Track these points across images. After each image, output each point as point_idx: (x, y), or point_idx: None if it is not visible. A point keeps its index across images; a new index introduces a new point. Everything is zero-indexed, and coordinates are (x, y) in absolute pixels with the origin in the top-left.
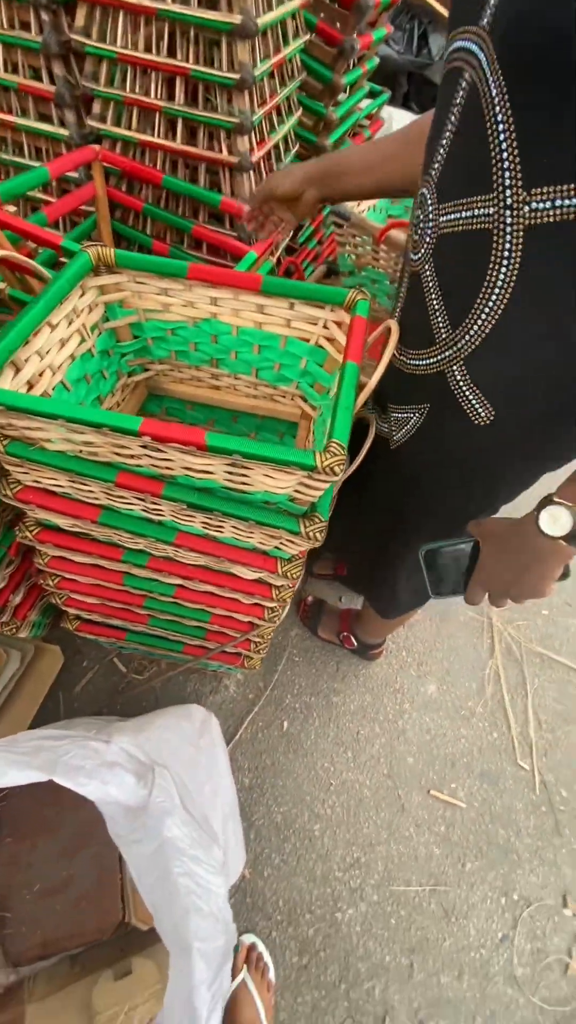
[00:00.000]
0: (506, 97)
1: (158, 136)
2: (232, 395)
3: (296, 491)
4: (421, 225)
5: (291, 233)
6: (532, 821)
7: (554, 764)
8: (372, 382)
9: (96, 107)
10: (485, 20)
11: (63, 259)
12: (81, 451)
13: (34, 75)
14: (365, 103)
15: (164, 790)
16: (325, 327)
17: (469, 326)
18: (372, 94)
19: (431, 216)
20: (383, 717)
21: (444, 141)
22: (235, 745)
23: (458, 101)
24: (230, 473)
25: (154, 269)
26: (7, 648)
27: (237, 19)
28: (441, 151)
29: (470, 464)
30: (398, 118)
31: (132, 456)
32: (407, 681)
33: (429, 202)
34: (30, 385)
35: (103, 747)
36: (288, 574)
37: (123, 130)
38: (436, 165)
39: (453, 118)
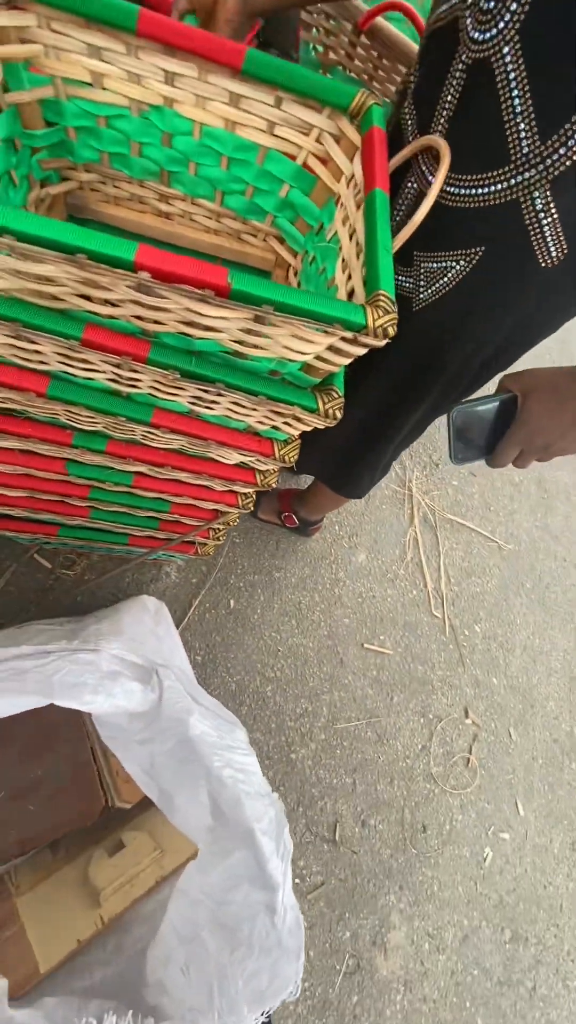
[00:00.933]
0: None
1: None
2: (185, 227)
3: (319, 358)
4: None
5: None
6: (442, 656)
7: (459, 611)
8: (420, 214)
9: None
10: None
11: None
12: (31, 293)
13: None
14: None
15: (175, 690)
16: (319, 141)
17: (569, 134)
18: None
19: None
20: (321, 587)
21: None
22: (184, 628)
23: None
24: (247, 332)
25: (86, 10)
26: None
27: None
28: None
29: (521, 312)
30: None
31: (110, 303)
32: (340, 552)
33: None
34: None
35: (95, 657)
36: (285, 457)
37: None
38: None
39: None
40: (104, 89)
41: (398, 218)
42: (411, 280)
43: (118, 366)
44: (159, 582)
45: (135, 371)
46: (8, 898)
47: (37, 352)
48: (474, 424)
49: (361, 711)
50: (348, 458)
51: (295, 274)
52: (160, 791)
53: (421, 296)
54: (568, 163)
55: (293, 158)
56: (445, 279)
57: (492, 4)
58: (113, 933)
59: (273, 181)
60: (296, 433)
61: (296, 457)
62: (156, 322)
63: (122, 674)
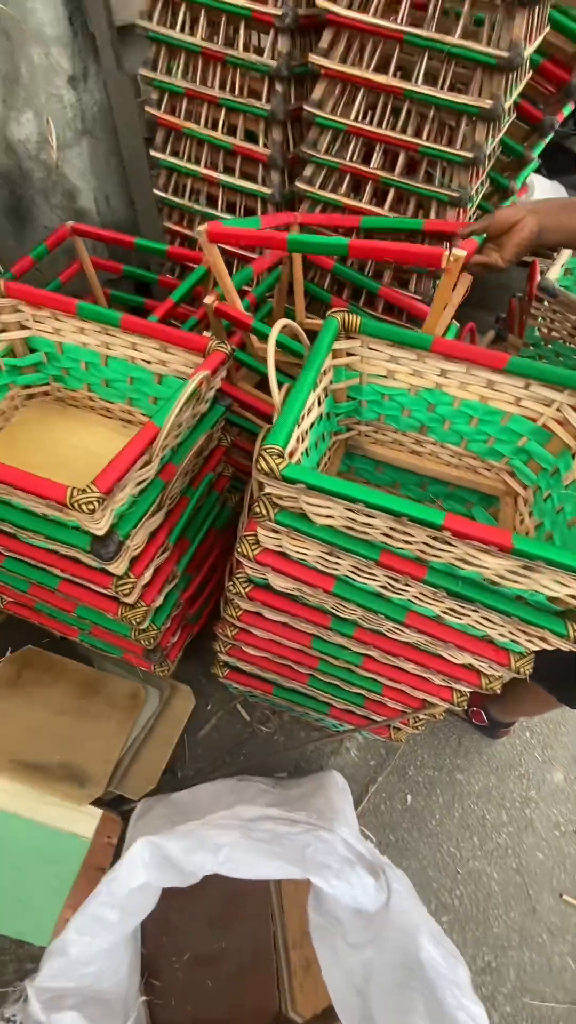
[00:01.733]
0: None
1: (363, 202)
2: (431, 462)
3: (571, 595)
4: None
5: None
6: None
7: None
8: None
9: (307, 171)
10: None
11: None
12: (352, 529)
13: (247, 137)
14: None
15: (404, 897)
16: (558, 410)
17: None
18: None
19: None
20: (509, 803)
21: None
22: (359, 814)
23: None
24: (514, 572)
25: (396, 339)
26: (145, 685)
27: (487, 103)
28: None
29: None
30: (538, 184)
31: (407, 542)
32: (532, 765)
33: None
34: (290, 455)
35: (331, 838)
36: (520, 669)
37: (329, 193)
38: None
39: None
40: (394, 379)
41: None
42: None
43: (395, 580)
44: (339, 756)
45: (408, 585)
46: None
47: (337, 563)
48: None
49: (559, 989)
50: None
51: (525, 503)
52: (363, 1014)
53: None
54: None
55: (534, 420)
56: None
57: None
58: None
59: (513, 435)
60: (534, 649)
61: (531, 670)
62: (436, 556)
63: (357, 864)
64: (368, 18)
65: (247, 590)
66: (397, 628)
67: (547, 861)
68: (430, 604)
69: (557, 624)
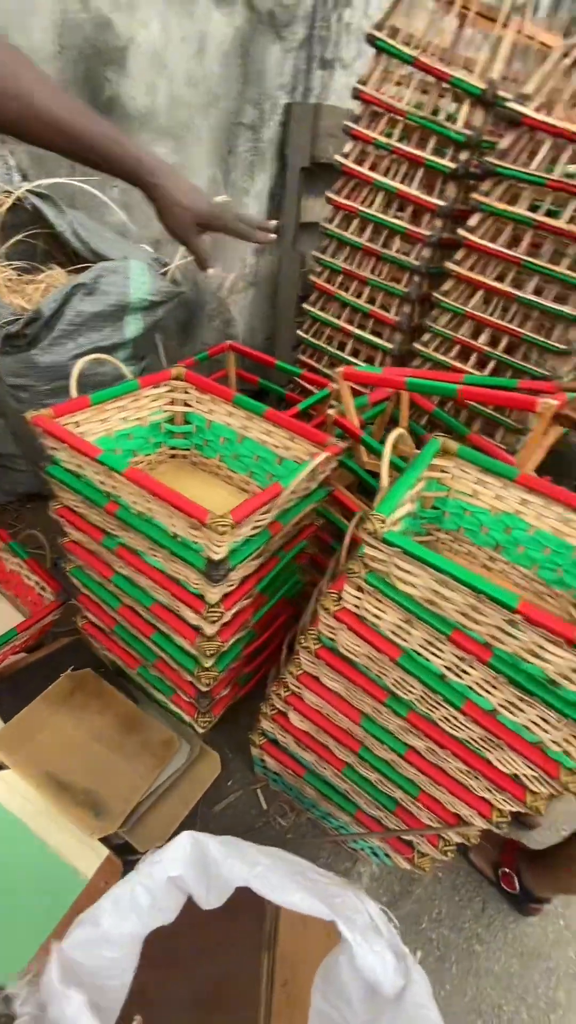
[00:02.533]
0: None
1: (466, 365)
2: (500, 579)
3: None
4: None
5: None
6: None
7: None
8: None
9: (425, 337)
10: None
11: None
12: (432, 601)
13: (381, 306)
14: None
15: (422, 989)
16: None
17: None
18: None
19: None
20: (532, 999)
21: None
22: None
23: None
24: (574, 671)
25: (487, 466)
26: (180, 738)
27: None
28: None
29: None
30: None
31: (478, 622)
32: (564, 961)
33: None
34: None
35: (359, 900)
36: (568, 786)
37: (440, 355)
38: None
39: None
40: (477, 499)
41: None
42: None
43: (460, 659)
44: (348, 878)
45: (472, 667)
46: None
47: (409, 633)
48: None
49: None
50: None
51: None
52: None
53: None
54: None
55: None
56: None
57: None
58: None
59: None
60: None
61: None
62: (502, 643)
63: (384, 936)
64: (495, 246)
65: (316, 648)
66: (451, 717)
67: None
68: (490, 694)
69: None
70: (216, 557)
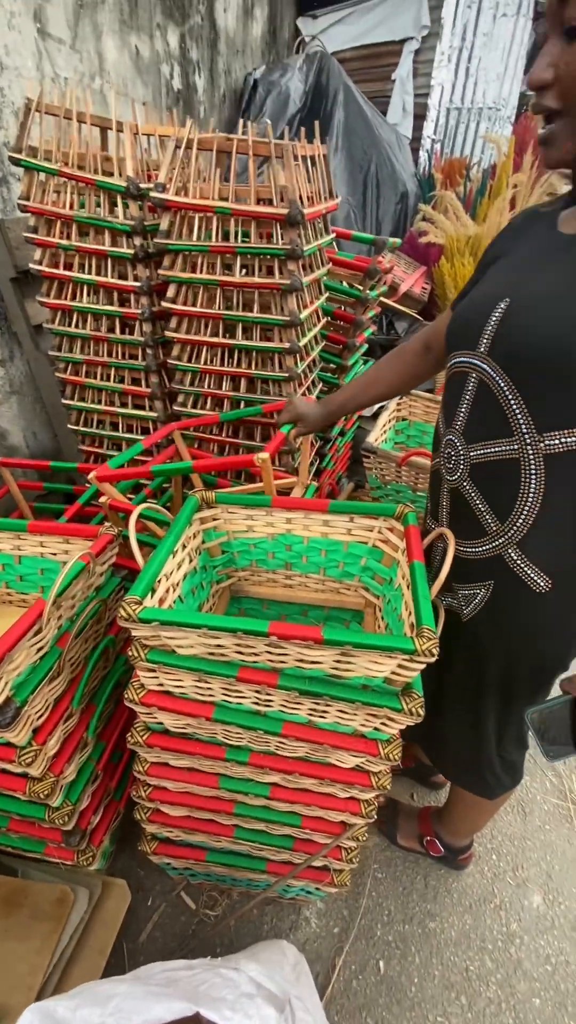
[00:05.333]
0: (515, 388)
1: (223, 410)
2: (303, 591)
3: (393, 673)
4: (454, 458)
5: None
6: None
7: None
8: (442, 575)
9: (181, 398)
10: (482, 348)
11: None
12: (211, 653)
13: (132, 382)
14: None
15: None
16: (379, 532)
17: (514, 520)
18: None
19: (461, 453)
20: (491, 945)
21: (463, 408)
22: (328, 1000)
23: (470, 388)
24: (338, 661)
25: (244, 503)
26: (74, 886)
27: (289, 359)
28: (462, 414)
29: (538, 626)
30: None
31: (254, 653)
32: (507, 893)
33: (458, 444)
34: (161, 601)
35: (235, 975)
36: (390, 755)
37: (198, 410)
38: (459, 422)
39: (468, 397)
40: (253, 531)
41: (436, 561)
42: (456, 600)
43: (258, 691)
44: (299, 930)
45: (269, 694)
46: None
47: (209, 689)
48: (552, 722)
49: None
50: (464, 750)
51: (379, 611)
52: None
53: (466, 612)
54: (523, 534)
55: (366, 543)
56: (476, 600)
57: (451, 464)
58: None
59: (355, 557)
60: (395, 732)
61: (399, 754)
62: (281, 661)
63: (259, 997)
64: (197, 308)
65: (145, 738)
66: (281, 742)
67: (546, 1007)
68: (295, 709)
69: (392, 700)
70: None
